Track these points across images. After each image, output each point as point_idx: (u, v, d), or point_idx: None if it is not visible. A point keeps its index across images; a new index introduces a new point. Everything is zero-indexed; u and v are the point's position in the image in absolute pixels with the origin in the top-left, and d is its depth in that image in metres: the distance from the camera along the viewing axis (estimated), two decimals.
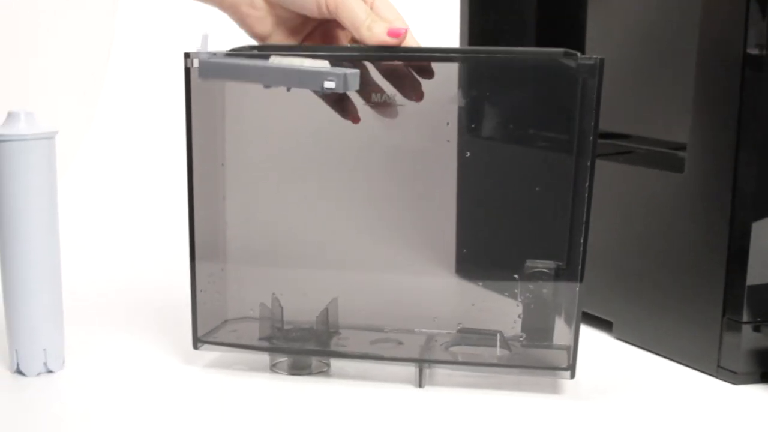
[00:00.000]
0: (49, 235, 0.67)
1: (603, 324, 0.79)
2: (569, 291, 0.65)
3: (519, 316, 0.68)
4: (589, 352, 0.72)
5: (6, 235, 0.66)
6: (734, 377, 0.68)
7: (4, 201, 0.66)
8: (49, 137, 0.66)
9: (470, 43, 0.93)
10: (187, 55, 0.66)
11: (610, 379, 0.70)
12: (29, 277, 0.67)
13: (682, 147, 0.73)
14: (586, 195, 0.63)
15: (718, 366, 0.69)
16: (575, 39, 0.87)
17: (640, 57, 0.81)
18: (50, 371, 0.69)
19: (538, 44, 0.93)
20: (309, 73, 0.62)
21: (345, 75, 0.61)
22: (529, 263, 0.67)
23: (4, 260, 0.67)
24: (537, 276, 0.67)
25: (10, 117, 0.66)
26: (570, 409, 0.64)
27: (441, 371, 0.69)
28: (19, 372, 0.68)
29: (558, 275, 0.66)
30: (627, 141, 0.83)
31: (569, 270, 0.65)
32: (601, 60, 0.62)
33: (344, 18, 0.65)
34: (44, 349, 0.68)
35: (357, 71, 0.62)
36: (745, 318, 0.67)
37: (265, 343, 0.70)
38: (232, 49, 0.69)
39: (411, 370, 0.67)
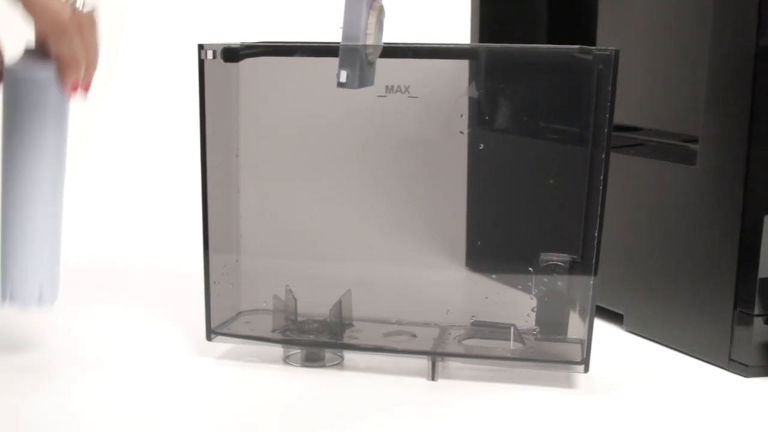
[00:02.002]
0: (56, 163, 0.65)
1: (614, 316, 0.80)
2: (584, 284, 0.65)
3: (533, 310, 0.68)
4: (601, 345, 0.72)
5: (12, 159, 0.64)
6: (745, 370, 0.68)
7: (13, 126, 0.64)
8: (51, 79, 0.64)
9: (481, 36, 0.92)
10: (200, 47, 0.66)
11: (621, 372, 0.70)
12: (30, 199, 0.65)
13: (694, 139, 0.73)
14: (601, 187, 0.63)
15: (730, 359, 0.69)
16: (587, 32, 0.86)
17: (652, 49, 0.81)
18: (43, 302, 0.66)
19: (550, 38, 0.92)
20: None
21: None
22: (544, 256, 0.67)
23: (6, 187, 0.65)
24: (552, 269, 0.67)
25: (26, 53, 0.64)
26: (582, 402, 0.64)
27: (454, 364, 0.69)
28: (12, 300, 0.65)
29: (572, 268, 0.66)
30: (639, 133, 0.83)
31: (584, 263, 0.65)
32: (617, 51, 0.62)
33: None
34: (39, 282, 0.66)
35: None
36: (756, 311, 0.68)
37: (279, 335, 0.70)
38: (242, 44, 0.69)
39: (424, 362, 0.67)
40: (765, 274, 0.67)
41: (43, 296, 0.66)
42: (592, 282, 0.65)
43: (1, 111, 0.66)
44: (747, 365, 0.68)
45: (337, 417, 0.61)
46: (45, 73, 0.64)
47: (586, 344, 0.65)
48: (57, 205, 0.67)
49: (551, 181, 0.67)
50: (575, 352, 0.66)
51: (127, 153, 1.40)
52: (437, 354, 0.67)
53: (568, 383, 0.67)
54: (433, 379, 0.67)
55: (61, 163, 0.66)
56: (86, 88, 0.66)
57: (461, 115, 0.68)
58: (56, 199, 0.67)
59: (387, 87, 0.66)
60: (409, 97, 0.67)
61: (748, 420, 0.62)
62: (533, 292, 0.68)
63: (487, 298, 0.70)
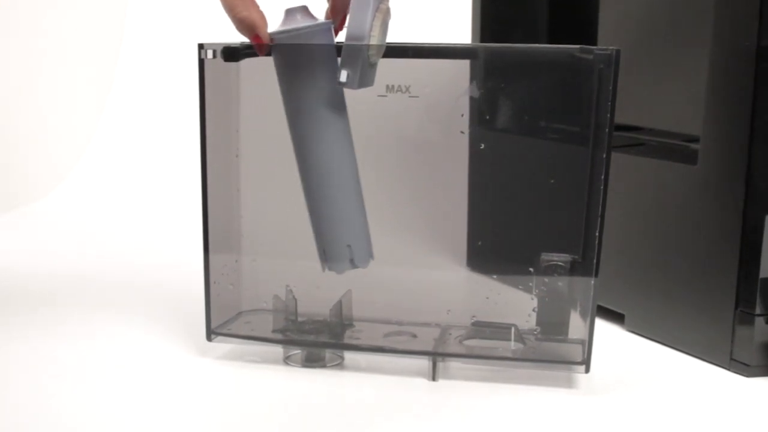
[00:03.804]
0: (343, 126, 0.65)
1: (615, 316, 0.79)
2: (584, 285, 0.65)
3: (533, 310, 0.68)
4: (602, 345, 0.72)
5: (303, 132, 0.65)
6: (747, 370, 0.68)
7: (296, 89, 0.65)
8: (328, 27, 0.65)
9: (482, 36, 0.92)
10: (201, 46, 0.66)
11: (622, 372, 0.69)
12: (327, 168, 0.66)
13: (695, 139, 0.73)
14: (602, 187, 0.63)
15: (731, 358, 0.69)
16: (587, 31, 0.86)
17: (652, 48, 0.81)
18: (355, 264, 0.67)
19: (551, 37, 0.92)
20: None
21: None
22: (545, 256, 0.67)
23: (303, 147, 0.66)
24: (552, 269, 0.67)
25: (288, 14, 0.64)
26: (583, 402, 0.64)
27: (454, 364, 0.69)
28: (329, 264, 0.67)
29: (573, 269, 0.66)
30: (639, 133, 0.83)
31: (585, 263, 0.65)
32: (617, 51, 0.62)
33: None
34: (348, 246, 0.67)
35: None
36: (757, 310, 0.67)
37: (279, 336, 0.70)
38: (242, 43, 0.69)
39: (425, 363, 0.67)
40: (766, 273, 0.67)
41: (355, 259, 0.67)
42: (593, 282, 0.65)
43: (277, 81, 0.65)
44: (748, 365, 0.68)
45: (338, 417, 0.61)
46: (318, 23, 0.64)
47: (587, 345, 0.65)
48: (353, 164, 0.67)
49: (552, 181, 0.67)
50: (576, 352, 0.66)
51: (128, 152, 1.40)
52: (438, 354, 0.67)
53: (569, 383, 0.67)
54: (433, 379, 0.67)
55: (345, 113, 0.66)
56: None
57: (462, 115, 0.68)
58: (352, 152, 0.66)
59: (388, 86, 0.66)
60: (409, 96, 0.67)
61: (749, 420, 0.62)
62: (534, 293, 0.68)
63: (488, 298, 0.70)
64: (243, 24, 0.62)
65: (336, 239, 0.67)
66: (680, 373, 0.70)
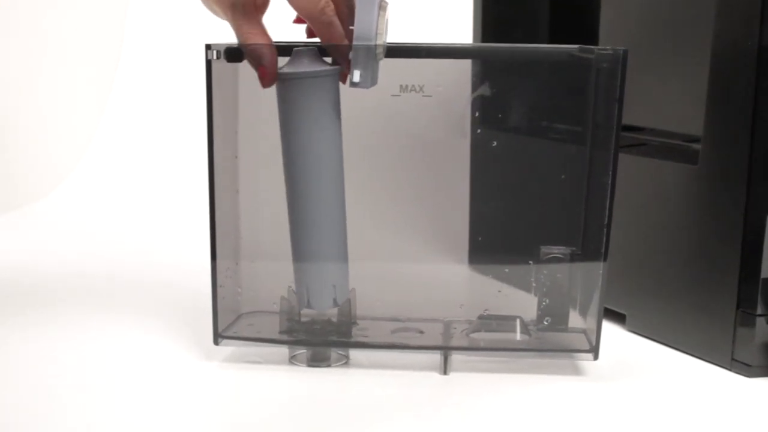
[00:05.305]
0: (336, 168, 0.66)
1: (616, 316, 0.80)
2: (585, 275, 0.66)
3: (543, 302, 0.68)
4: (603, 344, 0.72)
5: (296, 168, 0.65)
6: (748, 370, 0.68)
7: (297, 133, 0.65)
8: (334, 74, 0.65)
9: (483, 35, 0.93)
10: (208, 47, 0.66)
11: (623, 372, 0.70)
12: (318, 209, 0.66)
13: (696, 139, 0.73)
14: (610, 182, 0.63)
15: (732, 359, 0.69)
16: (589, 31, 0.86)
17: (654, 48, 0.81)
18: (337, 304, 0.68)
19: (552, 37, 0.93)
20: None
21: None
22: (544, 249, 0.67)
23: (293, 192, 0.66)
24: (553, 261, 0.67)
25: (296, 54, 0.65)
26: (587, 398, 0.64)
27: (458, 358, 0.69)
28: (310, 306, 0.68)
29: (576, 259, 0.66)
30: (641, 133, 0.83)
31: (584, 255, 0.65)
32: (625, 51, 0.62)
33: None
34: (334, 285, 0.68)
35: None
36: (759, 311, 0.68)
37: (287, 336, 0.69)
38: None
39: (428, 358, 0.67)
40: (767, 273, 0.67)
41: (337, 299, 0.68)
42: (601, 271, 0.65)
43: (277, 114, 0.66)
44: (749, 365, 0.68)
45: (344, 417, 0.61)
46: (324, 68, 0.65)
47: (596, 332, 0.66)
48: (343, 206, 0.67)
49: (563, 177, 0.68)
50: (580, 341, 0.67)
51: (128, 152, 1.39)
52: (451, 348, 0.68)
53: (575, 373, 0.67)
54: (445, 373, 0.67)
55: (341, 158, 0.67)
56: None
57: (476, 114, 0.68)
58: (342, 200, 0.67)
59: (401, 86, 0.67)
60: (423, 96, 0.67)
61: (750, 420, 0.62)
62: (537, 284, 0.68)
63: (500, 291, 0.70)
64: (252, 54, 0.64)
65: (323, 278, 0.67)
66: (681, 373, 0.70)
